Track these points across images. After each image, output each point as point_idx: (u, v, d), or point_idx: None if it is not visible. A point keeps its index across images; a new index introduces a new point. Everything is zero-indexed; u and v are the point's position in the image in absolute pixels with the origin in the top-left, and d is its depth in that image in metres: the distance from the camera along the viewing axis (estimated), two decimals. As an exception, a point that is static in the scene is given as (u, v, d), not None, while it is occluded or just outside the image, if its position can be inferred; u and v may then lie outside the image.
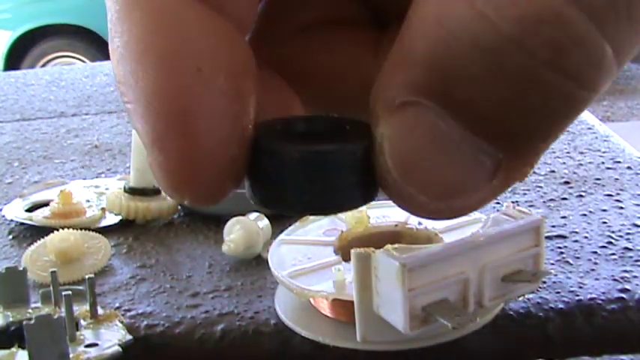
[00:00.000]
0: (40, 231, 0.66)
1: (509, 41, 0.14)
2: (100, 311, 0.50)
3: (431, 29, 0.15)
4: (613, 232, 0.60)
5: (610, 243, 0.58)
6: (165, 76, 0.16)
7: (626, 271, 0.53)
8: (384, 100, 0.16)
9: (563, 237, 0.60)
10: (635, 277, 0.52)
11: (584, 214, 0.64)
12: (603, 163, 0.76)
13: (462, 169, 0.16)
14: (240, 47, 0.17)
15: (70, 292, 0.47)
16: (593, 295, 0.50)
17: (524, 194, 0.69)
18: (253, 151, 0.17)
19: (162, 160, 0.16)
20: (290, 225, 0.57)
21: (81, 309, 0.50)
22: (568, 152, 0.80)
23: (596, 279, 0.52)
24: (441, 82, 0.15)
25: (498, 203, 0.68)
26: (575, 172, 0.74)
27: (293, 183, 0.17)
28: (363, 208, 0.56)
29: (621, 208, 0.65)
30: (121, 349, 0.45)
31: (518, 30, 0.14)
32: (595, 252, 0.57)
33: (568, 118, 0.15)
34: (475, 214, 0.55)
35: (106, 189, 0.76)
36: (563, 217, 0.64)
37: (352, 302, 0.43)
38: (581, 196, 0.68)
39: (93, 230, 0.65)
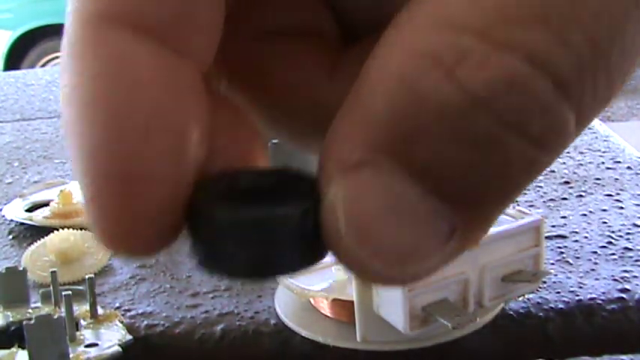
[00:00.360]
0: (40, 231, 0.66)
1: (477, 104, 0.14)
2: (100, 311, 0.50)
3: (393, 87, 0.14)
4: (613, 232, 0.60)
5: (610, 243, 0.58)
6: (111, 135, 0.15)
7: (626, 271, 0.53)
8: (338, 158, 0.15)
9: (563, 237, 0.60)
10: (635, 277, 0.52)
11: (584, 214, 0.64)
12: (603, 163, 0.76)
13: (419, 232, 0.15)
14: (196, 96, 0.16)
15: (70, 292, 0.47)
16: (593, 295, 0.50)
17: (524, 194, 0.69)
18: (190, 210, 0.16)
19: (97, 215, 0.16)
20: (290, 225, 0.57)
21: (81, 309, 0.50)
22: (568, 152, 0.80)
23: (596, 279, 0.52)
24: (401, 140, 0.15)
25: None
26: (575, 172, 0.74)
27: (225, 250, 0.16)
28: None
29: (621, 208, 0.65)
30: (121, 349, 0.45)
31: (487, 93, 0.14)
32: (595, 252, 0.57)
33: (526, 181, 0.15)
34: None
35: (106, 189, 0.76)
36: (563, 217, 0.64)
37: (352, 302, 0.43)
38: (581, 196, 0.68)
39: (93, 230, 0.65)
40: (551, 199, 0.68)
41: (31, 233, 0.68)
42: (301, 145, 0.21)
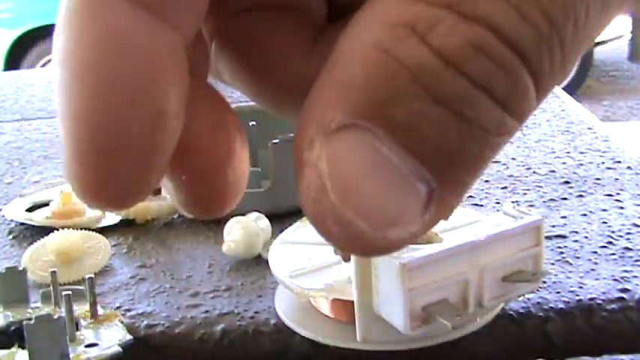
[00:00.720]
0: (40, 231, 0.66)
1: (449, 66, 0.15)
2: (100, 311, 0.50)
3: (372, 54, 0.16)
4: (613, 232, 0.60)
5: (610, 243, 0.58)
6: (98, 104, 0.16)
7: (626, 271, 0.53)
8: (320, 122, 0.16)
9: (563, 237, 0.60)
10: (635, 277, 0.52)
11: (584, 214, 0.64)
12: (603, 163, 0.76)
13: (401, 194, 0.16)
14: (180, 70, 0.17)
15: (70, 292, 0.47)
16: (593, 295, 0.50)
17: (524, 194, 0.69)
18: None
19: (77, 173, 0.17)
20: (290, 225, 0.57)
21: (81, 309, 0.50)
22: (568, 152, 0.80)
23: (596, 279, 0.52)
24: (380, 104, 0.16)
25: (498, 203, 0.68)
26: (575, 172, 0.74)
27: None
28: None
29: (621, 208, 0.65)
30: (121, 349, 0.45)
31: (457, 57, 0.15)
32: (595, 252, 0.57)
33: (495, 147, 0.16)
34: (475, 214, 0.55)
35: (106, 189, 0.76)
36: (563, 217, 0.64)
37: (352, 302, 0.43)
38: (581, 196, 0.68)
39: (93, 230, 0.65)
40: (551, 199, 0.68)
41: (31, 233, 0.68)
42: (283, 114, 0.22)
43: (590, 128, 0.89)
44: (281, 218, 0.64)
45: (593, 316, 0.49)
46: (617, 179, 0.72)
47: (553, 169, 0.75)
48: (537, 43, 0.15)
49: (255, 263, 0.59)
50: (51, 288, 0.51)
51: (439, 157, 0.16)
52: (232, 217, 0.60)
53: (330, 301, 0.47)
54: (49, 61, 4.19)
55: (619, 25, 4.22)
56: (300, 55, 0.21)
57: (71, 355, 0.44)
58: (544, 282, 0.52)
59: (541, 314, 0.49)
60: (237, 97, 1.37)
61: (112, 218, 0.69)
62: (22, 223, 0.70)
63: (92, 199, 0.17)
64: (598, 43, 4.29)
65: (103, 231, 0.66)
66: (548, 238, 0.59)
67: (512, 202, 0.59)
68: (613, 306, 0.49)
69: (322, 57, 0.20)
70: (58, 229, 0.62)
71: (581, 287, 0.51)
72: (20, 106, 1.32)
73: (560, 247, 0.58)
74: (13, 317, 0.50)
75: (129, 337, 0.47)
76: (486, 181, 0.74)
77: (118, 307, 0.53)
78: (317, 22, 0.21)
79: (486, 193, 0.71)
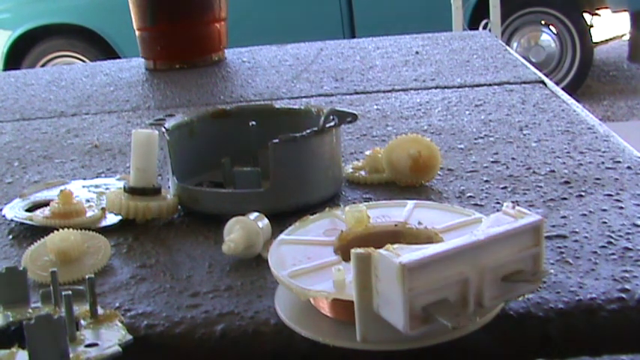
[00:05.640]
0: (40, 231, 0.66)
1: None
2: (100, 311, 0.50)
3: None
4: (613, 232, 0.60)
5: (610, 243, 0.58)
6: None
7: (626, 271, 0.53)
8: None
9: (563, 237, 0.60)
10: (635, 277, 0.52)
11: (584, 214, 0.64)
12: (603, 163, 0.76)
13: None
14: None
15: (70, 292, 0.47)
16: (593, 295, 0.50)
17: (524, 194, 0.69)
18: None
19: None
20: (290, 225, 0.57)
21: (81, 309, 0.50)
22: (568, 152, 0.80)
23: (596, 279, 0.52)
24: None
25: (498, 203, 0.68)
26: (575, 172, 0.74)
27: None
28: (363, 207, 0.56)
29: (621, 208, 0.65)
30: (120, 349, 0.45)
31: None
32: (595, 252, 0.57)
33: None
34: (475, 214, 0.55)
35: (106, 189, 0.76)
36: (563, 217, 0.64)
37: (352, 302, 0.43)
38: (581, 196, 0.68)
39: (93, 230, 0.65)
40: (551, 199, 0.68)
41: (31, 233, 0.68)
42: None
43: (590, 128, 0.89)
44: (281, 218, 0.64)
45: (593, 316, 0.49)
46: (617, 179, 0.72)
47: (553, 169, 0.75)
48: None
49: (255, 263, 0.59)
50: (51, 288, 0.51)
51: None
52: (232, 217, 0.60)
53: (330, 301, 0.47)
54: (49, 61, 4.19)
55: (619, 25, 4.21)
56: None
57: (71, 355, 0.44)
58: (544, 282, 0.52)
59: (541, 314, 0.49)
60: (237, 96, 1.37)
61: (112, 218, 0.69)
62: (22, 223, 0.70)
63: None
64: (598, 43, 4.29)
65: (103, 231, 0.65)
66: (548, 238, 0.59)
67: (512, 202, 0.59)
68: (613, 306, 0.49)
69: None
70: (58, 229, 0.62)
71: (581, 287, 0.51)
72: (20, 106, 1.32)
73: (560, 247, 0.58)
74: (13, 317, 0.50)
75: (129, 337, 0.47)
76: (486, 181, 0.74)
77: (118, 307, 0.53)
78: None
79: (486, 193, 0.71)
